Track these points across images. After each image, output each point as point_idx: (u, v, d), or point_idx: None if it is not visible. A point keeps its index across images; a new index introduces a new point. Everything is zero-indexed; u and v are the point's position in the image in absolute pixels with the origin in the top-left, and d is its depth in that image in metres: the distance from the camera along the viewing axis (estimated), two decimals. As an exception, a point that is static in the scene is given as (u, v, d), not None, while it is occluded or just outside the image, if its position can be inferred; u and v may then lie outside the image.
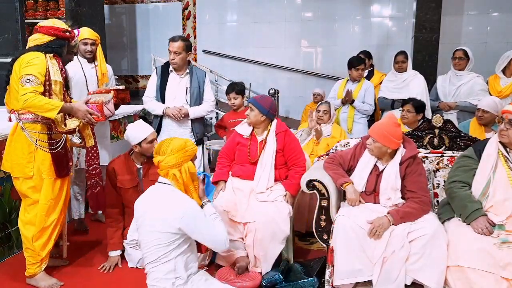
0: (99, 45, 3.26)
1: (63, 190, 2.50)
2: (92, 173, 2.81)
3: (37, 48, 2.38)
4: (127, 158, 2.79)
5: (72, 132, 2.53)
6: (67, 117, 2.52)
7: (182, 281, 1.95)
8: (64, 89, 2.47)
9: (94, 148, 2.78)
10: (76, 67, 3.12)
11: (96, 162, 2.81)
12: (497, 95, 3.54)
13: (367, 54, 4.58)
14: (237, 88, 3.60)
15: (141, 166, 2.80)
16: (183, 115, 3.24)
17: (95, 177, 2.80)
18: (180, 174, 1.99)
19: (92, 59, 3.22)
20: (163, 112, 3.28)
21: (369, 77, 4.38)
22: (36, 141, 2.39)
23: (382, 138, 2.27)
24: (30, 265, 2.47)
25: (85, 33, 3.14)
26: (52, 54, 2.40)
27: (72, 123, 2.49)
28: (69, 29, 2.50)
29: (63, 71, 2.46)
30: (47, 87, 2.35)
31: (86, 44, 3.15)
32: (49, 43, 2.41)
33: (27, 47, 2.44)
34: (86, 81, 3.16)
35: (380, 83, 4.38)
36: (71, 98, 2.59)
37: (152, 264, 1.94)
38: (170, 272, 1.92)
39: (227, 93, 3.66)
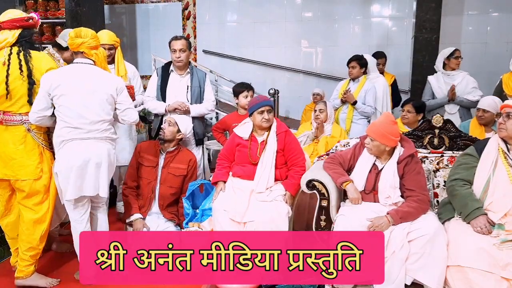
0: (119, 47, 3.31)
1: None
2: None
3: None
4: (156, 143, 3.13)
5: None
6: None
7: None
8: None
9: None
10: None
11: None
12: None
13: (378, 55, 4.39)
14: (251, 87, 3.48)
15: (164, 155, 3.08)
16: (186, 108, 3.26)
17: None
18: (98, 55, 2.51)
19: (112, 62, 3.30)
20: (165, 110, 3.27)
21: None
22: (42, 142, 2.49)
23: (380, 137, 2.28)
24: (27, 266, 2.48)
25: (103, 38, 3.19)
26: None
27: None
28: (29, 15, 2.48)
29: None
30: None
31: (104, 49, 3.19)
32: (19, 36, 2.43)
33: None
34: None
35: (391, 84, 4.32)
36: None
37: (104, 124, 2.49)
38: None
39: (242, 91, 3.49)
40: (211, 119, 5.92)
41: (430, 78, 3.95)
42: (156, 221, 2.99)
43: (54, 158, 2.55)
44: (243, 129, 2.80)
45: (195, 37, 6.65)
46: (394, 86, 4.39)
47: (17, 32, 2.42)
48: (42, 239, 2.51)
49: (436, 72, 3.95)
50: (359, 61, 3.89)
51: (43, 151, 2.50)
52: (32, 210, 2.50)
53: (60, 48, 2.96)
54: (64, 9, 5.21)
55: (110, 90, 2.50)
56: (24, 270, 2.48)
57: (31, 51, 2.44)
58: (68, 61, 2.93)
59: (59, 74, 2.43)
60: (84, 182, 2.43)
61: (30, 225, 2.48)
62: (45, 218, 2.52)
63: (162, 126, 3.08)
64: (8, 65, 2.36)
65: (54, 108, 2.43)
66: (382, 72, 4.36)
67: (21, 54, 2.39)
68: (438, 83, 3.87)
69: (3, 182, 2.51)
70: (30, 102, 2.41)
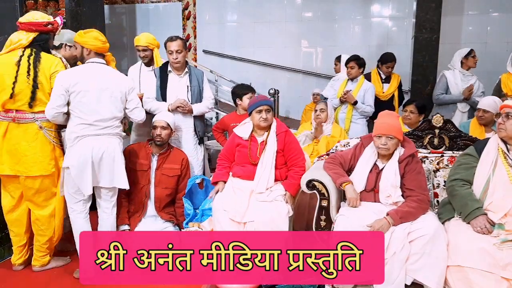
0: (156, 49, 3.39)
1: None
2: None
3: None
4: (146, 146, 3.07)
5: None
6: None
7: None
8: None
9: None
10: (136, 70, 3.38)
11: None
12: (511, 93, 3.53)
13: (389, 58, 4.20)
14: (254, 89, 3.50)
15: (156, 157, 3.04)
16: (188, 106, 3.27)
17: None
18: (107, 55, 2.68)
19: (149, 63, 3.38)
20: (168, 109, 3.28)
21: (387, 81, 4.22)
22: (53, 139, 2.57)
23: (397, 132, 2.29)
24: (42, 256, 2.63)
25: (140, 39, 3.30)
26: None
27: None
28: (51, 20, 2.54)
29: None
30: None
31: (138, 50, 3.31)
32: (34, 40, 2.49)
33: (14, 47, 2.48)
34: (139, 83, 3.36)
35: (398, 86, 4.30)
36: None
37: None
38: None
39: (246, 93, 3.47)
40: (211, 119, 5.93)
41: (446, 72, 3.97)
42: (153, 223, 2.98)
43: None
44: (243, 129, 2.80)
45: (195, 37, 6.65)
46: (399, 86, 4.37)
47: (32, 35, 2.48)
48: (57, 229, 2.64)
49: (437, 72, 3.97)
50: (357, 61, 3.89)
51: (54, 149, 2.57)
52: (41, 207, 2.58)
53: (56, 48, 2.99)
54: (64, 9, 5.22)
55: (124, 88, 2.62)
56: (39, 260, 2.63)
57: (43, 54, 2.48)
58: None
59: (76, 72, 2.53)
60: (100, 174, 2.54)
61: (45, 220, 2.59)
62: (57, 212, 2.62)
63: (154, 131, 2.98)
64: (18, 67, 2.43)
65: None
66: (389, 75, 4.24)
67: (32, 57, 2.44)
68: (455, 79, 3.91)
69: (15, 179, 2.56)
70: (30, 105, 2.46)
